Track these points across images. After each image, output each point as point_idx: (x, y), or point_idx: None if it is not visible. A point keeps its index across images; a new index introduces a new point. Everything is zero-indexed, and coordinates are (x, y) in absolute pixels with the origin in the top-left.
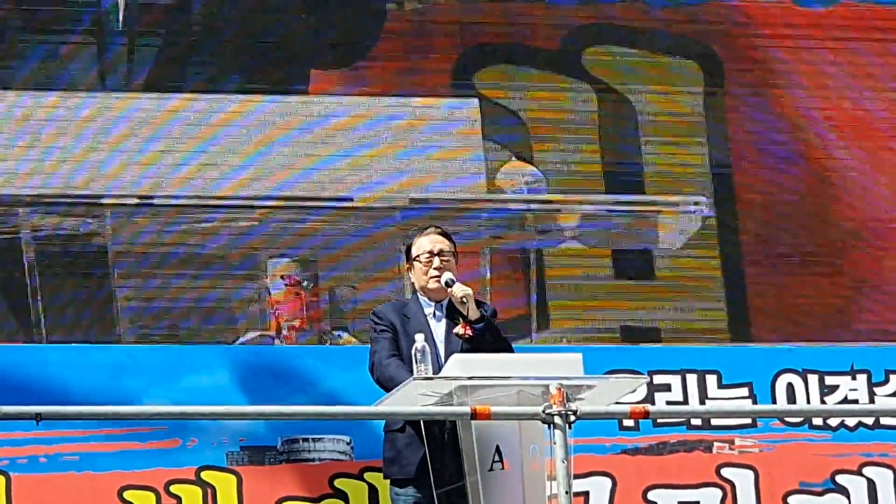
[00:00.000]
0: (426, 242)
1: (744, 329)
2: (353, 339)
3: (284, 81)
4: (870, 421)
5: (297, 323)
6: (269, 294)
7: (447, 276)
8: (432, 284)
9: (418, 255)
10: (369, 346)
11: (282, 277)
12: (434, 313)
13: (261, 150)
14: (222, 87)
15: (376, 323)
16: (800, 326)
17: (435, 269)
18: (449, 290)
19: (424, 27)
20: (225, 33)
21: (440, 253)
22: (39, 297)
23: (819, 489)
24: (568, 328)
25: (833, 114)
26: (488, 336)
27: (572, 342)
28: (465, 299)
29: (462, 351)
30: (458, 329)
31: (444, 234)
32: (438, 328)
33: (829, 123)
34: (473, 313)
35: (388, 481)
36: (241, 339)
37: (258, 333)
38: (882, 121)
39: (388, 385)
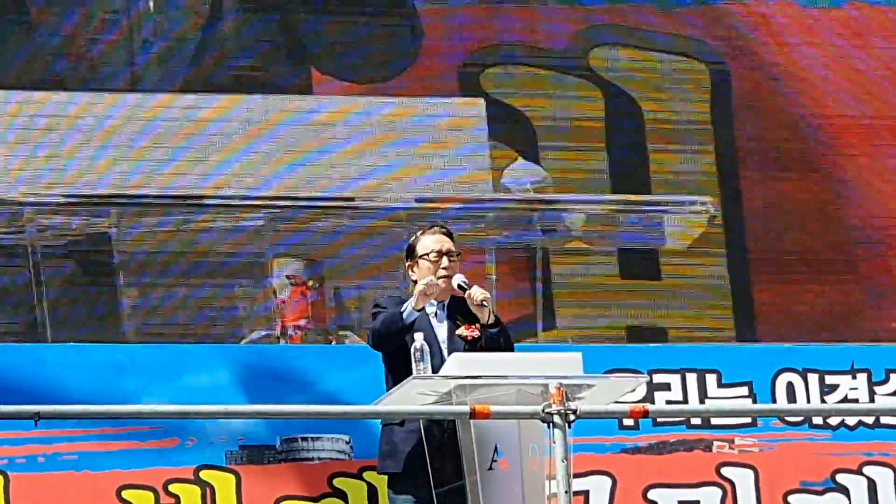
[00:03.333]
0: (432, 242)
1: (749, 330)
2: (360, 340)
3: (292, 83)
4: (870, 420)
5: (303, 323)
6: (276, 295)
7: (459, 278)
8: (443, 285)
9: (425, 255)
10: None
11: (288, 278)
12: (436, 313)
13: (268, 152)
14: (230, 89)
15: (376, 306)
16: (806, 328)
17: (443, 269)
18: (465, 293)
19: (432, 28)
20: (235, 35)
21: (448, 253)
22: (45, 298)
23: (819, 488)
24: (573, 328)
25: (839, 119)
26: (501, 340)
27: (578, 342)
28: (485, 302)
29: (465, 351)
30: (462, 330)
31: (449, 234)
32: (441, 328)
33: (836, 124)
34: (490, 317)
35: (385, 480)
36: (247, 340)
37: (264, 334)
38: (889, 124)
39: (386, 328)
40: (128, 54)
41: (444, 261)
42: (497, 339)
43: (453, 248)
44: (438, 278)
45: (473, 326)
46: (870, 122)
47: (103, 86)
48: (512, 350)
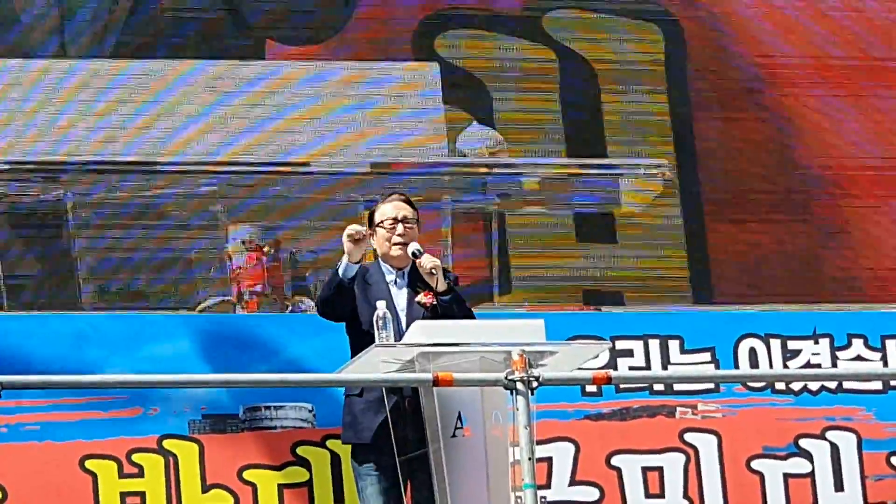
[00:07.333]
0: (389, 209)
1: (706, 289)
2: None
3: (246, 48)
4: (832, 385)
5: (259, 288)
6: (231, 260)
7: (414, 245)
8: (395, 252)
9: (381, 222)
10: None
11: (243, 243)
12: (395, 281)
13: (222, 117)
14: (185, 54)
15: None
16: (764, 285)
17: (398, 235)
18: (417, 260)
19: None
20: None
21: (404, 220)
22: None
23: (782, 453)
24: (530, 291)
25: (797, 59)
26: (455, 307)
27: (534, 307)
28: (433, 271)
29: (424, 318)
30: (421, 297)
31: (408, 201)
32: (400, 296)
33: (792, 68)
34: (442, 285)
35: (349, 449)
36: (203, 306)
37: (220, 300)
38: (845, 62)
39: (327, 290)
40: (86, 19)
41: (400, 227)
42: (450, 306)
43: (409, 215)
44: (393, 245)
45: (431, 293)
46: (829, 63)
47: (60, 52)
48: (469, 317)
